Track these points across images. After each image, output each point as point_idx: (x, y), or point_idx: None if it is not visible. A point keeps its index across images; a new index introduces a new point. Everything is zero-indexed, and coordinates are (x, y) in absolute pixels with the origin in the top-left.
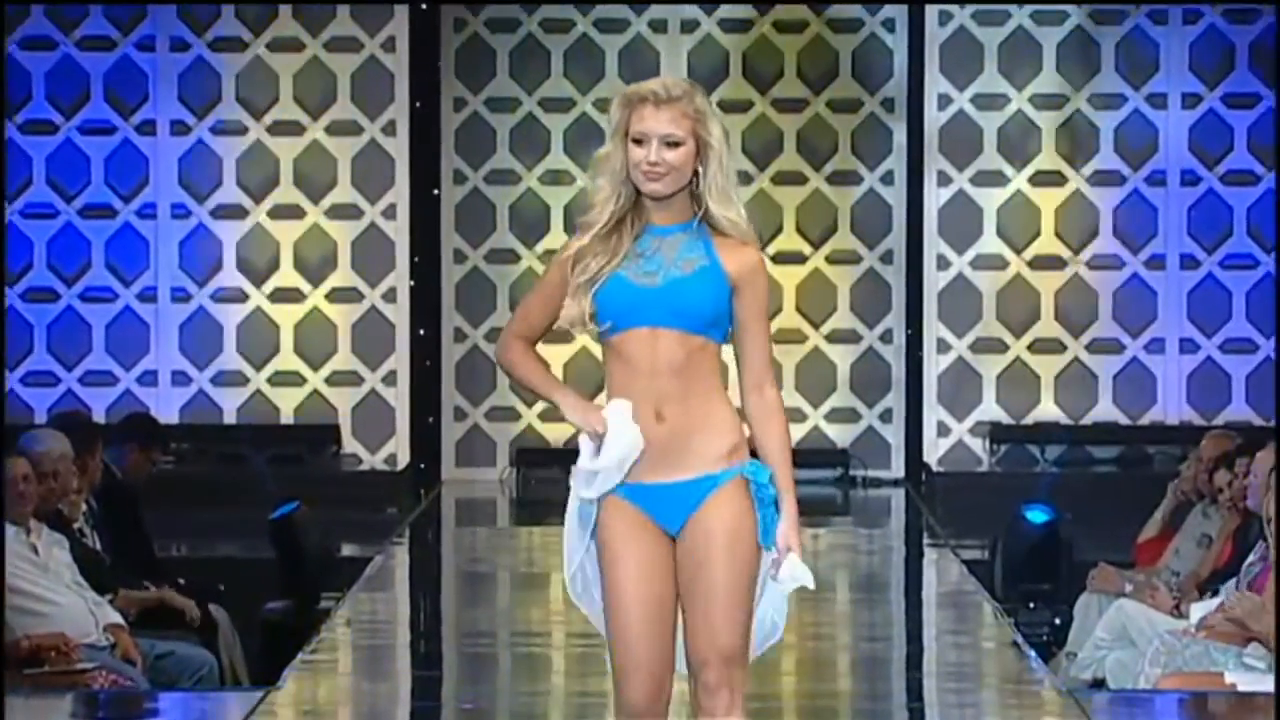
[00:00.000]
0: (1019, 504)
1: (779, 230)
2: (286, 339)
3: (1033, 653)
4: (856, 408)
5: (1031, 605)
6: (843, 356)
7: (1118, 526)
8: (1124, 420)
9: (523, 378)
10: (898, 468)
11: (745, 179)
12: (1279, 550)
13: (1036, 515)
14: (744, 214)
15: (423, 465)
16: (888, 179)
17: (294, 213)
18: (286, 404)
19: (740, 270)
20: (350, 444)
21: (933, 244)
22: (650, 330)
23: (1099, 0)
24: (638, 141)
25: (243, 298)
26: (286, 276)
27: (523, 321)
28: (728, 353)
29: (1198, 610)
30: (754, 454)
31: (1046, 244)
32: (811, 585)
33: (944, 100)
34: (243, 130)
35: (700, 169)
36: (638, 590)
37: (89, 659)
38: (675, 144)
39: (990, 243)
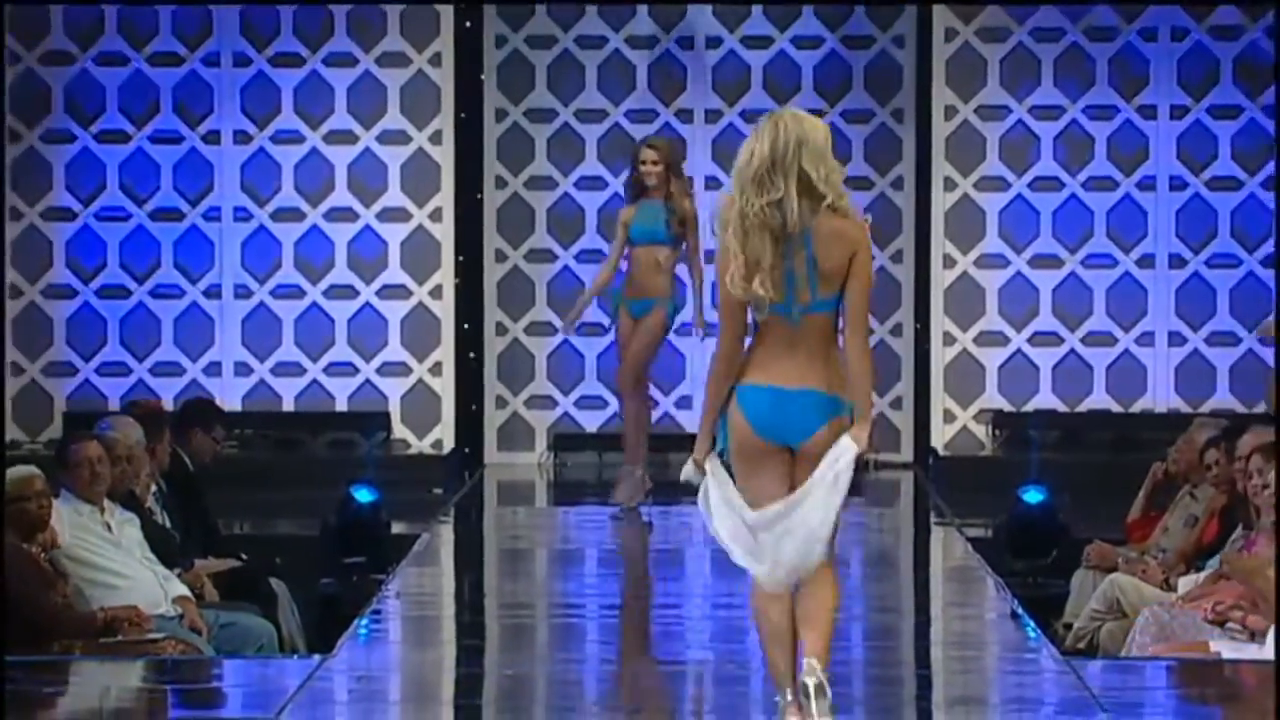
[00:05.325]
0: (1019, 486)
1: None
2: (341, 332)
3: (1032, 623)
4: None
5: (1031, 580)
6: None
7: (1111, 507)
8: (1116, 408)
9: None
10: (907, 452)
11: None
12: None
13: (1033, 496)
14: None
15: (467, 450)
16: (898, 184)
17: (348, 216)
18: (341, 392)
19: None
20: (400, 430)
21: (939, 244)
22: None
23: (1094, 19)
24: None
25: (300, 294)
26: (341, 274)
27: None
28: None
29: (1185, 584)
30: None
31: (1045, 244)
32: None
33: (950, 111)
34: (300, 139)
35: None
36: None
37: (159, 629)
38: None
39: (993, 243)
